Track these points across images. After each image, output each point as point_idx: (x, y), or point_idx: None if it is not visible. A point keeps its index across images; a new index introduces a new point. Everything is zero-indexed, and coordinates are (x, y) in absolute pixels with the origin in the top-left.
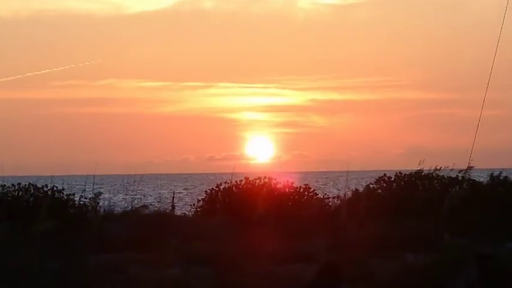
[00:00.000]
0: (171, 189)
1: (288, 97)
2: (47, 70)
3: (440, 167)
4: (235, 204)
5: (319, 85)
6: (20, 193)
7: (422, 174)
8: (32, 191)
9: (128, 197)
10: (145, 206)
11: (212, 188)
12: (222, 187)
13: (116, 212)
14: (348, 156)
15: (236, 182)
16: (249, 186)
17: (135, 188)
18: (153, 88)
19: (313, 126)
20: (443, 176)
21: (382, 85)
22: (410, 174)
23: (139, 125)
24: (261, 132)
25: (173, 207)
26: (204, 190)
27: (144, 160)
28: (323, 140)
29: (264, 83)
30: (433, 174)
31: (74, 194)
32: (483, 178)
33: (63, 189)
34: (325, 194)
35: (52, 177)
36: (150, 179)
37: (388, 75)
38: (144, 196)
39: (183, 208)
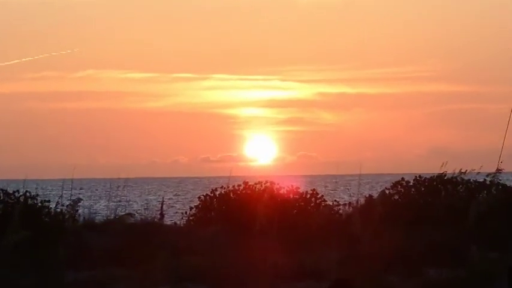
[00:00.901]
0: (159, 195)
1: (292, 90)
2: (17, 60)
3: (466, 170)
4: (232, 212)
5: (327, 77)
6: None
7: (445, 178)
8: (2, 197)
9: (110, 203)
10: (130, 215)
11: (207, 194)
12: (217, 193)
13: (97, 221)
14: (361, 157)
15: (234, 186)
16: (249, 191)
17: (119, 193)
18: (139, 80)
19: (320, 123)
20: (468, 180)
21: (399, 77)
22: (432, 178)
23: (123, 122)
24: (261, 131)
25: (162, 215)
26: (197, 196)
27: (129, 162)
28: (332, 139)
29: (265, 75)
30: (458, 178)
31: (49, 201)
32: None
33: (37, 195)
34: (335, 200)
35: (25, 181)
36: (136, 184)
37: (406, 66)
38: (129, 203)
39: (174, 217)
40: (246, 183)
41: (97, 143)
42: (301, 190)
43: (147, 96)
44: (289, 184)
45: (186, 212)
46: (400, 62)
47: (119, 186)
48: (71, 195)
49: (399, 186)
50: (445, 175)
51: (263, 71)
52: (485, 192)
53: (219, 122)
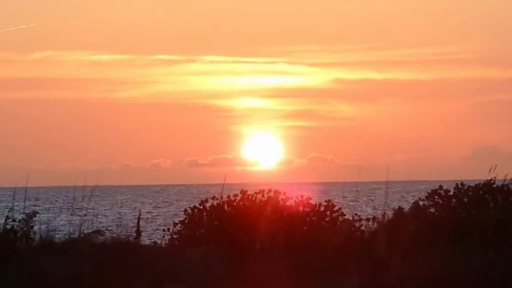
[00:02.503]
0: (135, 208)
1: (303, 76)
2: None
3: None
4: (227, 230)
5: (346, 59)
6: None
7: (495, 186)
8: None
9: (74, 218)
10: (99, 232)
11: (194, 206)
12: (208, 205)
13: (57, 240)
14: (389, 160)
15: (229, 197)
16: (248, 203)
17: (85, 205)
18: (111, 63)
19: (338, 117)
20: None
21: (436, 59)
22: (477, 186)
23: (89, 117)
24: (264, 127)
25: (139, 233)
26: (183, 208)
27: (98, 166)
28: (352, 137)
29: (268, 57)
30: (510, 186)
31: None
32: None
33: None
34: (356, 214)
35: None
36: (106, 193)
37: (445, 45)
38: (97, 217)
39: (153, 235)
40: (244, 192)
41: (57, 143)
42: (313, 201)
43: (119, 84)
44: (298, 194)
45: (168, 229)
46: (439, 40)
47: (84, 197)
48: (24, 207)
49: (436, 197)
50: (494, 182)
51: (265, 51)
52: None
53: (209, 115)
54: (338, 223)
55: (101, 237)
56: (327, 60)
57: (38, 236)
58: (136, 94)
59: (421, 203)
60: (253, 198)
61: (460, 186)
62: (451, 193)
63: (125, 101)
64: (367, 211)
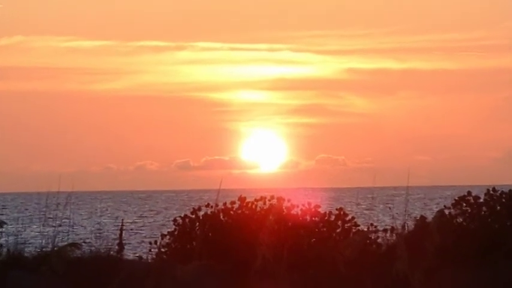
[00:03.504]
0: (117, 217)
1: (310, 66)
2: None
3: None
4: (223, 242)
5: (361, 45)
6: None
7: None
8: None
9: (46, 229)
10: (75, 245)
11: (186, 215)
12: (201, 213)
13: (27, 254)
14: (409, 161)
15: (225, 204)
16: (247, 212)
17: (59, 214)
18: (89, 50)
19: (350, 113)
20: None
21: (464, 46)
22: None
23: (65, 112)
24: (265, 124)
25: (121, 246)
26: (172, 218)
27: (74, 169)
28: (367, 135)
29: (270, 43)
30: None
31: None
32: None
33: None
34: (371, 224)
35: None
36: (84, 200)
37: (474, 30)
38: (73, 228)
39: (138, 248)
40: (242, 199)
41: (27, 142)
42: (322, 210)
43: (99, 75)
44: (304, 201)
45: (156, 242)
46: (466, 24)
47: (58, 204)
48: None
49: (464, 204)
50: None
51: (267, 37)
52: None
53: (203, 111)
54: (351, 235)
55: (78, 251)
56: (338, 47)
57: (4, 249)
58: (118, 86)
59: (446, 211)
60: (253, 206)
61: (491, 192)
62: (482, 200)
63: (105, 93)
64: (384, 221)
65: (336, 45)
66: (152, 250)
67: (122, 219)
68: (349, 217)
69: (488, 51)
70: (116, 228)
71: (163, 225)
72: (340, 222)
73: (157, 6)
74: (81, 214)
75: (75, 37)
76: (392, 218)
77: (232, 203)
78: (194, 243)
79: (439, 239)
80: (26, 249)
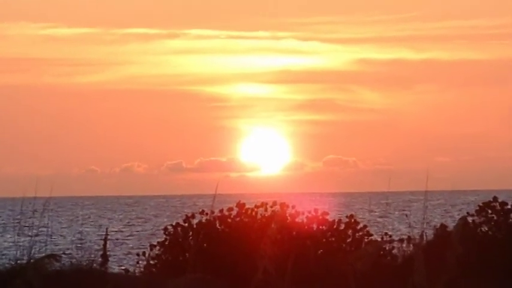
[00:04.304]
0: (101, 226)
1: (317, 56)
2: None
3: None
4: (219, 253)
5: (374, 33)
6: None
7: None
8: None
9: (22, 239)
10: (54, 257)
11: (178, 224)
12: (195, 221)
13: (0, 267)
14: (428, 163)
15: (222, 211)
16: (246, 219)
17: (35, 222)
18: (69, 39)
19: (362, 109)
20: None
21: (489, 33)
22: None
23: (42, 108)
24: (267, 121)
25: (106, 258)
26: (162, 227)
27: (53, 172)
28: (381, 134)
29: (272, 30)
30: None
31: None
32: None
33: None
34: (386, 233)
35: None
36: (64, 206)
37: (501, 16)
38: (51, 238)
39: (125, 260)
40: (241, 206)
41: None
42: (330, 217)
43: (80, 66)
44: (311, 207)
45: (144, 253)
46: (492, 9)
47: (34, 211)
48: None
49: (490, 211)
50: None
51: (269, 23)
52: None
53: (197, 106)
54: (363, 245)
55: (57, 264)
56: (349, 35)
57: None
58: (102, 79)
59: (469, 219)
60: (253, 213)
61: None
62: (509, 206)
63: (87, 87)
64: (400, 230)
65: (346, 33)
66: (140, 262)
67: (106, 228)
68: (361, 225)
69: None
70: (100, 237)
71: (152, 234)
72: (350, 231)
73: None
74: (60, 222)
75: (53, 24)
76: (409, 226)
77: (230, 209)
78: (187, 254)
79: (461, 249)
80: None
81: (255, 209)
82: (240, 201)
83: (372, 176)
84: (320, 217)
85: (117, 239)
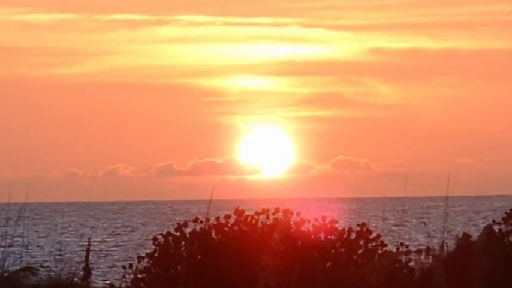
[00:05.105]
0: (83, 235)
1: (324, 45)
2: None
3: None
4: (215, 266)
5: (388, 19)
6: None
7: None
8: None
9: None
10: (30, 270)
11: (169, 233)
12: (188, 230)
13: None
14: (449, 165)
15: (218, 219)
16: (245, 228)
17: (10, 232)
18: (48, 25)
19: (375, 104)
20: None
21: None
22: None
23: (17, 103)
24: (269, 118)
25: (88, 271)
26: (151, 236)
27: (29, 175)
28: (396, 132)
29: (274, 16)
30: None
31: None
32: None
33: None
34: (402, 243)
35: None
36: (42, 214)
37: None
38: (28, 248)
39: (109, 273)
40: (240, 213)
41: None
42: (339, 225)
43: (59, 56)
44: (318, 214)
45: (131, 266)
46: None
47: (8, 219)
48: None
49: None
50: None
51: (270, 9)
52: None
53: (190, 102)
54: (376, 257)
55: (34, 278)
56: (359, 21)
57: None
58: (84, 70)
59: (496, 227)
60: (254, 221)
61: None
62: None
63: (67, 80)
64: (418, 239)
65: (356, 19)
66: (126, 276)
67: (89, 238)
68: (374, 235)
69: None
70: (81, 248)
71: (140, 245)
72: (362, 241)
73: None
74: (37, 231)
75: (29, 9)
76: (428, 235)
77: (227, 217)
78: (179, 267)
79: (487, 262)
80: None
81: (256, 217)
82: (238, 207)
83: (386, 180)
84: (328, 225)
85: (100, 250)
